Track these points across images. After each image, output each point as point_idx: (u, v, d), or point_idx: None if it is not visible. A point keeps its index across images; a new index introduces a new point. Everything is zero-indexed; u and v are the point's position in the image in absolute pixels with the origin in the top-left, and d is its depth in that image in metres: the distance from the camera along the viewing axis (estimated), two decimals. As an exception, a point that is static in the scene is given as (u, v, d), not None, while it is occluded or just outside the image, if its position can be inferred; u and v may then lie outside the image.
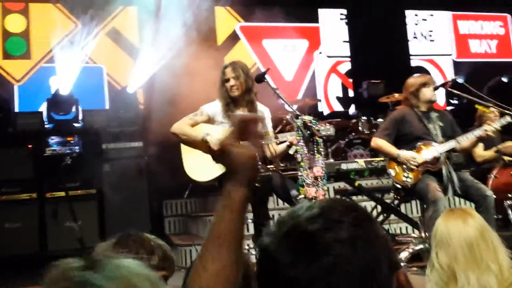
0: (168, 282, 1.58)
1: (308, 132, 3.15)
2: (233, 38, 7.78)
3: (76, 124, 6.27)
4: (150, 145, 6.02)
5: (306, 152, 3.17)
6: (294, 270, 0.79)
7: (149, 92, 6.83)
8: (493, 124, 4.01)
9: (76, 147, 5.87)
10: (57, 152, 5.81)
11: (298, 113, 3.28)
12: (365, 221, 0.85)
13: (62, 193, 5.54)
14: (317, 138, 3.16)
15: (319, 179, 3.13)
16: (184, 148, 3.74)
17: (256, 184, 3.51)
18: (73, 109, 6.32)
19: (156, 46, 6.54)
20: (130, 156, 5.94)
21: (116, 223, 5.45)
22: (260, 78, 3.63)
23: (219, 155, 1.10)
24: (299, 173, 3.18)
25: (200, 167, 3.67)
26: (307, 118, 3.18)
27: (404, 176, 4.00)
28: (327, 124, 3.46)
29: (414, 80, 4.22)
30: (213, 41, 7.32)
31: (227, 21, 7.76)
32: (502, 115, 4.16)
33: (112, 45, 7.18)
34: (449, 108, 8.35)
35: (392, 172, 4.09)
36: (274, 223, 0.87)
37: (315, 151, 3.17)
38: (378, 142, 4.17)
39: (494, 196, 4.03)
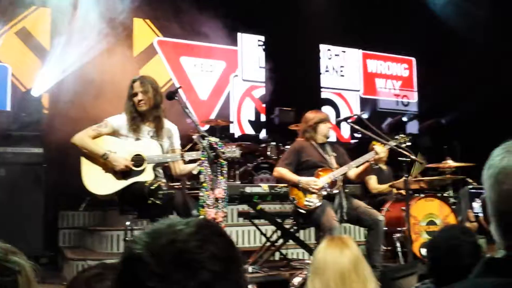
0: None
1: (214, 153, 3.18)
2: (150, 51, 7.70)
3: (-29, 124, 5.84)
4: (51, 153, 5.73)
5: (209, 173, 3.19)
6: (167, 285, 0.80)
7: (56, 97, 6.55)
8: (380, 148, 4.26)
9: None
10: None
11: (204, 133, 3.30)
12: (233, 243, 0.91)
13: None
14: (222, 160, 3.19)
15: (219, 201, 3.16)
16: (84, 160, 3.62)
17: (157, 202, 3.47)
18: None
19: (68, 51, 6.30)
20: (29, 162, 5.60)
21: (4, 231, 5.10)
22: (171, 95, 3.62)
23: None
24: (201, 194, 3.19)
25: (100, 180, 3.58)
26: (213, 139, 3.21)
27: (306, 200, 4.16)
28: (234, 146, 3.51)
29: (313, 115, 4.54)
30: (129, 52, 7.19)
31: (145, 33, 7.67)
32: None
33: (21, 45, 6.82)
34: (353, 141, 8.79)
35: (294, 198, 4.24)
36: (145, 233, 0.88)
37: (219, 173, 3.20)
38: (280, 170, 4.36)
39: (385, 228, 4.29)
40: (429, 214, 5.08)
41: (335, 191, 4.21)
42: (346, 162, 4.39)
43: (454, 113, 9.17)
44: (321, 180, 4.21)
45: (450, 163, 5.45)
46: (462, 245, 2.17)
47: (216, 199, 3.15)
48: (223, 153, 3.18)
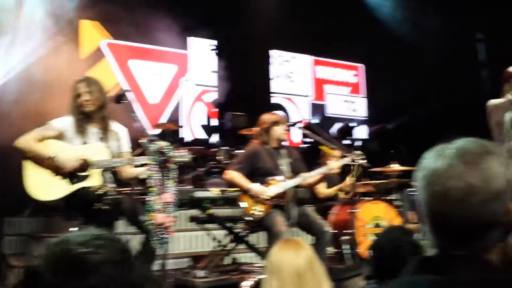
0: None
1: (162, 157, 3.15)
2: (98, 53, 7.54)
3: None
4: (-7, 156, 5.51)
5: (158, 177, 3.16)
6: None
7: (-1, 99, 6.31)
8: (335, 162, 4.38)
9: None
10: None
11: (153, 137, 3.27)
12: (127, 248, 0.96)
13: None
14: (171, 165, 3.17)
15: (168, 206, 3.13)
16: (27, 165, 3.51)
17: (105, 207, 3.41)
18: None
19: (12, 51, 6.09)
20: (-30, 166, 5.38)
21: None
22: (119, 98, 3.56)
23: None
24: (149, 198, 3.16)
25: (45, 186, 3.47)
26: (162, 143, 3.18)
27: (254, 209, 4.16)
28: (184, 150, 3.50)
29: (267, 117, 4.47)
30: (76, 54, 7.02)
31: (93, 35, 7.50)
32: (343, 156, 4.57)
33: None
34: (303, 146, 8.91)
35: (243, 204, 4.23)
36: (46, 245, 0.92)
37: (168, 177, 3.18)
38: (231, 174, 4.32)
39: (332, 231, 4.37)
40: (375, 217, 5.22)
41: (285, 203, 4.20)
42: (300, 169, 4.39)
43: (401, 119, 9.48)
44: (271, 190, 4.18)
45: (395, 167, 5.62)
46: (403, 246, 2.25)
47: (165, 204, 3.12)
48: (172, 157, 3.16)
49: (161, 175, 3.16)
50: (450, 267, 1.09)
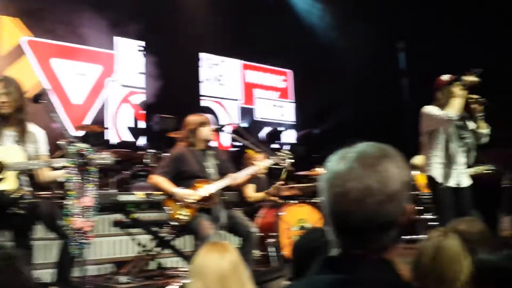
0: None
1: (82, 160, 3.05)
2: (19, 51, 7.18)
3: None
4: None
5: (77, 180, 3.05)
6: None
7: None
8: (263, 162, 4.41)
9: None
10: None
11: (73, 139, 3.15)
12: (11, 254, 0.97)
13: None
14: (91, 167, 3.07)
15: (88, 210, 3.03)
16: None
17: (20, 211, 3.25)
18: None
19: None
20: None
21: None
22: (37, 98, 3.41)
23: None
24: (67, 202, 3.04)
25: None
26: (82, 145, 3.07)
27: (179, 213, 4.10)
28: (105, 153, 3.40)
29: (192, 119, 4.42)
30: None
31: (13, 32, 7.13)
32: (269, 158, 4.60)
33: None
34: (233, 149, 8.94)
35: (168, 209, 4.16)
36: None
37: (87, 181, 3.08)
38: (155, 179, 4.23)
39: (259, 234, 4.41)
40: (300, 220, 5.32)
41: (211, 205, 4.17)
42: (227, 171, 4.38)
43: (327, 124, 9.75)
44: (197, 193, 4.15)
45: (319, 170, 5.77)
46: (322, 247, 2.30)
47: (84, 208, 3.02)
48: (92, 159, 3.06)
49: (80, 178, 3.05)
50: (349, 267, 1.13)
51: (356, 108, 9.07)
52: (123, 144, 7.79)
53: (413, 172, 6.60)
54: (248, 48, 9.42)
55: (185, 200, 4.08)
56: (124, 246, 5.26)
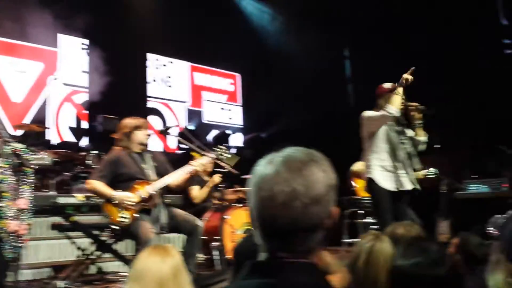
0: None
1: (17, 161, 2.92)
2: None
3: None
4: None
5: (12, 182, 2.92)
6: None
7: None
8: (200, 159, 4.36)
9: None
10: None
11: (8, 139, 3.02)
12: None
13: None
14: (27, 168, 2.95)
15: (23, 212, 2.91)
16: None
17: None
18: None
19: None
20: None
21: None
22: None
23: None
24: (1, 204, 2.90)
25: None
26: (18, 145, 2.95)
27: (120, 216, 4.01)
28: (43, 153, 3.28)
29: (127, 122, 4.35)
30: None
31: None
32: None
33: None
34: (179, 152, 8.85)
35: (107, 213, 4.06)
36: None
37: (23, 182, 2.95)
38: (93, 184, 4.12)
39: (203, 238, 4.36)
40: (246, 223, 5.32)
41: (152, 206, 4.11)
42: (166, 172, 4.33)
43: (274, 128, 9.83)
44: (136, 195, 4.07)
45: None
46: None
47: (19, 210, 2.89)
48: (28, 160, 2.94)
49: (15, 179, 2.92)
50: (275, 270, 1.14)
51: (303, 113, 9.20)
52: (64, 145, 7.53)
53: (355, 178, 6.78)
54: (197, 51, 9.37)
55: (124, 202, 3.99)
56: (63, 250, 5.09)
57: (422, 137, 4.44)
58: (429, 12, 8.23)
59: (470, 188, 7.25)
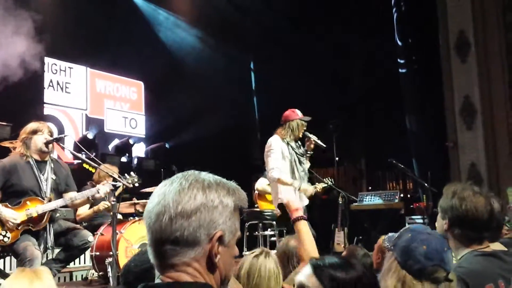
0: None
1: None
2: None
3: None
4: None
5: None
6: None
7: None
8: (104, 186, 4.17)
9: None
10: None
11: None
12: None
13: None
14: None
15: None
16: None
17: None
18: None
19: None
20: None
21: None
22: None
23: None
24: None
25: None
26: None
27: (1, 235, 3.70)
28: None
29: (26, 126, 4.06)
30: None
31: None
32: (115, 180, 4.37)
33: None
34: (76, 161, 8.42)
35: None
36: None
37: None
38: None
39: (97, 253, 4.15)
40: (142, 237, 5.13)
41: (39, 227, 3.84)
42: (67, 188, 4.09)
43: (180, 137, 9.71)
44: (25, 214, 3.77)
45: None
46: (152, 269, 2.22)
47: None
48: None
49: None
50: None
51: (210, 122, 9.19)
52: None
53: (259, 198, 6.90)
54: (99, 56, 9.02)
55: (9, 223, 3.69)
56: None
57: (306, 164, 5.02)
58: (327, 33, 8.60)
59: (365, 199, 7.64)
